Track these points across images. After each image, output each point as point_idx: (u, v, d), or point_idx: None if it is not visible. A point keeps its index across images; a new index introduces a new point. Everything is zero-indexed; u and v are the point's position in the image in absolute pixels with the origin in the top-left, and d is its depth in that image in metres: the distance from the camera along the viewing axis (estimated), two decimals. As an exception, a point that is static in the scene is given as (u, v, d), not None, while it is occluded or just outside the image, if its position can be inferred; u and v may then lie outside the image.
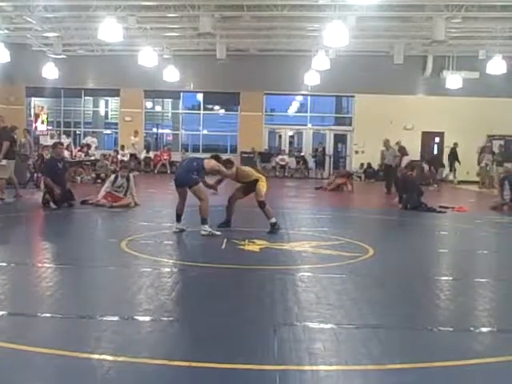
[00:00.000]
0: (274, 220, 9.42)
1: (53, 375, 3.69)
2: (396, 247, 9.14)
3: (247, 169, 10.06)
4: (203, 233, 8.79)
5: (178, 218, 9.21)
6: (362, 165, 26.03)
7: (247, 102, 26.68)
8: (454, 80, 23.13)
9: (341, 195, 18.34)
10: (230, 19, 19.85)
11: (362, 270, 6.98)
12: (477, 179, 23.38)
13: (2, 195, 13.06)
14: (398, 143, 24.68)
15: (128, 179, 12.67)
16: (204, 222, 8.89)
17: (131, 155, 24.85)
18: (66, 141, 23.39)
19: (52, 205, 11.88)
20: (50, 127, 24.09)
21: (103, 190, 12.64)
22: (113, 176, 13.16)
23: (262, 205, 9.44)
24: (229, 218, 9.64)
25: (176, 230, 9.16)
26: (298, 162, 26.83)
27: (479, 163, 23.11)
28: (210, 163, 9.26)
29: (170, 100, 29.62)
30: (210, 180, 9.76)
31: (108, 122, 30.69)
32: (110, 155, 22.60)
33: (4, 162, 13.15)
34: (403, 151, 24.11)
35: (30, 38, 23.03)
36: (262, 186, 9.51)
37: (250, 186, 9.56)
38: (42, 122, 22.06)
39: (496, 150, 23.86)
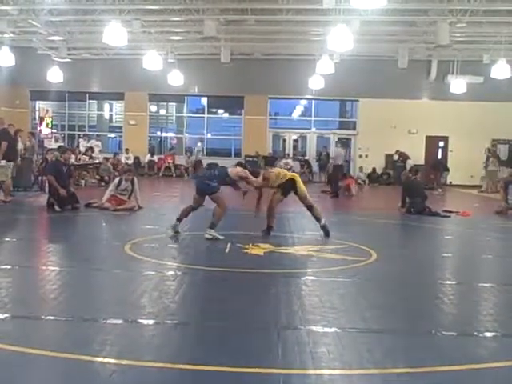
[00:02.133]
0: (323, 222, 9.41)
1: (56, 378, 3.70)
2: (399, 251, 9.13)
3: (276, 170, 9.97)
4: (207, 236, 8.79)
5: (179, 220, 9.20)
6: (361, 168, 25.98)
7: (251, 105, 26.71)
8: (458, 84, 23.11)
9: (345, 199, 18.32)
10: (234, 23, 19.87)
11: (365, 274, 6.98)
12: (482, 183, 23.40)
13: (6, 198, 13.09)
14: (397, 151, 24.77)
15: (132, 182, 12.69)
16: (212, 226, 8.87)
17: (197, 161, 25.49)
18: (90, 143, 23.72)
19: (56, 208, 11.90)
20: (54, 130, 24.15)
21: (107, 194, 12.66)
22: (117, 179, 13.18)
23: (311, 208, 9.47)
24: (270, 224, 9.50)
25: (169, 228, 9.16)
26: (302, 166, 26.81)
27: (486, 167, 23.07)
28: (235, 170, 9.20)
29: (174, 104, 29.62)
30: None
31: (112, 126, 30.73)
32: (111, 158, 22.62)
33: (3, 162, 13.17)
34: (404, 156, 24.22)
35: (35, 41, 23.09)
36: (302, 185, 9.52)
37: (286, 186, 9.46)
38: (47, 126, 22.10)
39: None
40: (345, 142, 24.74)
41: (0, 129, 13.62)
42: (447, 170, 24.14)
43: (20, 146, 14.55)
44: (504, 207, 14.19)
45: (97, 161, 21.80)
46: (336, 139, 25.57)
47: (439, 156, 25.98)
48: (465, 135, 24.64)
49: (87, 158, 21.53)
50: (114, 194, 12.59)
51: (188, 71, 23.97)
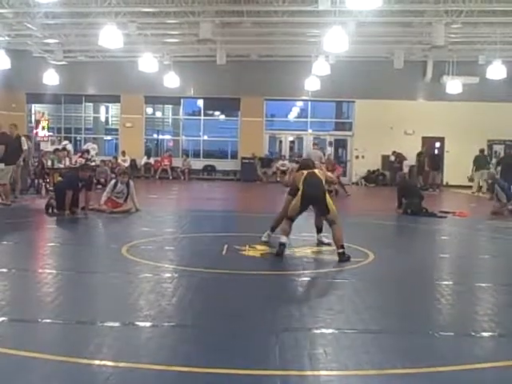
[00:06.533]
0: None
1: (53, 381, 3.69)
2: (397, 252, 9.13)
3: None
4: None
5: (319, 230, 8.89)
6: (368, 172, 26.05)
7: (247, 107, 26.70)
8: (454, 85, 23.14)
9: (341, 200, 18.31)
10: (230, 25, 19.88)
11: (362, 275, 6.98)
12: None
13: (7, 200, 13.06)
14: (394, 152, 24.82)
15: (128, 185, 12.64)
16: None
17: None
18: (86, 145, 23.58)
19: (55, 210, 11.85)
20: (50, 133, 24.15)
21: (104, 196, 12.63)
22: (113, 181, 13.14)
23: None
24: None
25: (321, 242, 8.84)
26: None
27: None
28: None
29: (170, 106, 29.65)
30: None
31: (108, 128, 30.74)
32: (110, 161, 22.58)
33: (2, 165, 13.13)
34: (401, 157, 24.28)
35: (31, 44, 23.06)
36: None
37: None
38: (43, 128, 22.13)
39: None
40: (319, 143, 22.32)
41: None
42: (437, 169, 23.96)
43: (24, 146, 14.47)
44: (499, 207, 14.17)
45: (93, 163, 21.75)
46: (312, 139, 24.22)
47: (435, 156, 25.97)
48: (461, 136, 24.67)
49: (83, 160, 21.48)
50: (110, 197, 12.55)
51: (184, 73, 23.98)
